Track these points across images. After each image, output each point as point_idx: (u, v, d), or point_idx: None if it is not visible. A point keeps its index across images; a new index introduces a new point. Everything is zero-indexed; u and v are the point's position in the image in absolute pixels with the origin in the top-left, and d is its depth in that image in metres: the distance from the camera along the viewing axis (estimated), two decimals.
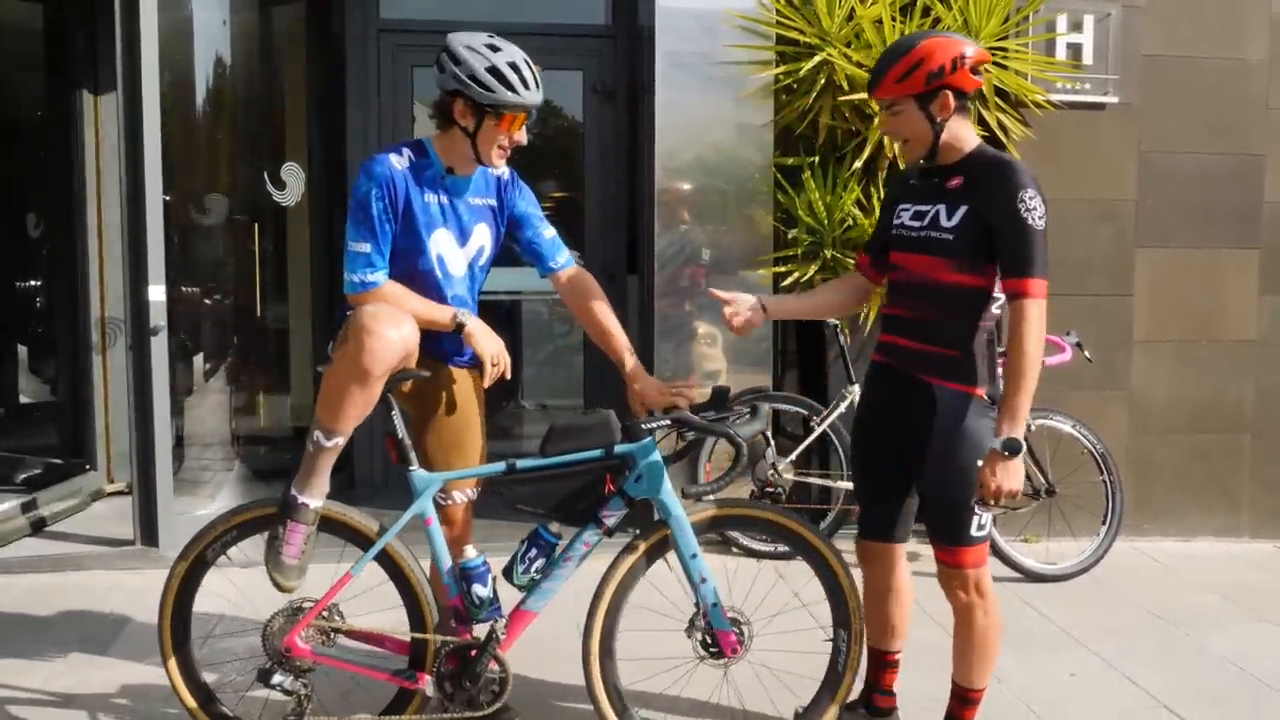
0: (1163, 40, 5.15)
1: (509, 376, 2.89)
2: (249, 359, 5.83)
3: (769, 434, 4.67)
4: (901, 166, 4.84)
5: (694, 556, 2.81)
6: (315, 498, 2.73)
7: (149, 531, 4.71)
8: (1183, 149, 5.21)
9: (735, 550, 4.75)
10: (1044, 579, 4.64)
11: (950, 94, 2.67)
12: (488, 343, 2.81)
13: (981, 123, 4.92)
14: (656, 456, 2.77)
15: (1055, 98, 5.01)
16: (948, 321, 2.74)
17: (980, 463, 2.66)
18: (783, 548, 4.62)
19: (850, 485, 4.78)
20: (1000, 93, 4.95)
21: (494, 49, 2.77)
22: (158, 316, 4.59)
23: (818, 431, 4.74)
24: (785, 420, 5.14)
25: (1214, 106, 5.22)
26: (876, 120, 4.77)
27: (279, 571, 2.71)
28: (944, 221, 2.72)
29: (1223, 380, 5.35)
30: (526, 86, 2.77)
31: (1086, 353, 4.76)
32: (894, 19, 4.77)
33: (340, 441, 2.69)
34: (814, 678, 3.02)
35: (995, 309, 2.76)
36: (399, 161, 2.79)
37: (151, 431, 4.63)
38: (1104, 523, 4.75)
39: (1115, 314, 5.22)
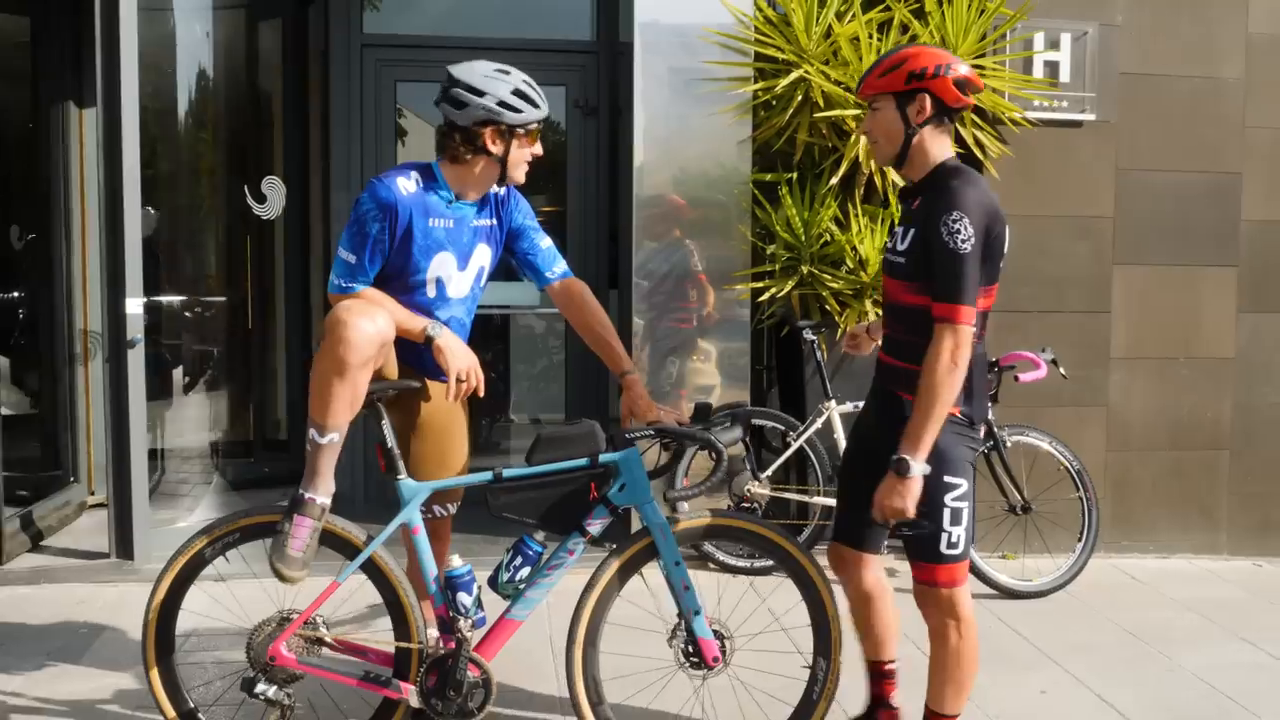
0: (1139, 59, 5.18)
1: (481, 394, 2.89)
2: (228, 371, 5.83)
3: (748, 442, 4.67)
4: (867, 171, 4.87)
5: (677, 564, 2.84)
6: (321, 494, 2.77)
7: (124, 544, 4.70)
8: (1160, 167, 5.24)
9: (711, 566, 4.75)
10: (1020, 595, 4.63)
11: (929, 98, 2.69)
12: (455, 358, 2.82)
13: (959, 140, 4.94)
14: (640, 465, 2.81)
15: (1032, 115, 5.03)
16: (915, 340, 2.74)
17: (946, 479, 2.69)
18: (760, 563, 4.69)
19: (827, 501, 4.80)
20: (977, 110, 4.97)
21: (504, 73, 2.85)
22: (135, 329, 4.60)
23: (794, 446, 4.74)
24: (767, 435, 5.14)
25: (1191, 125, 5.25)
26: (854, 136, 4.80)
27: (283, 562, 2.72)
28: (899, 245, 2.79)
29: (1201, 397, 5.36)
30: (542, 100, 2.89)
31: (1062, 369, 4.78)
32: (871, 36, 4.80)
33: (335, 438, 2.72)
34: (788, 701, 3.02)
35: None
36: (406, 186, 2.83)
37: (127, 444, 4.63)
38: (1080, 539, 4.75)
39: (1093, 331, 5.23)
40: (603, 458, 2.80)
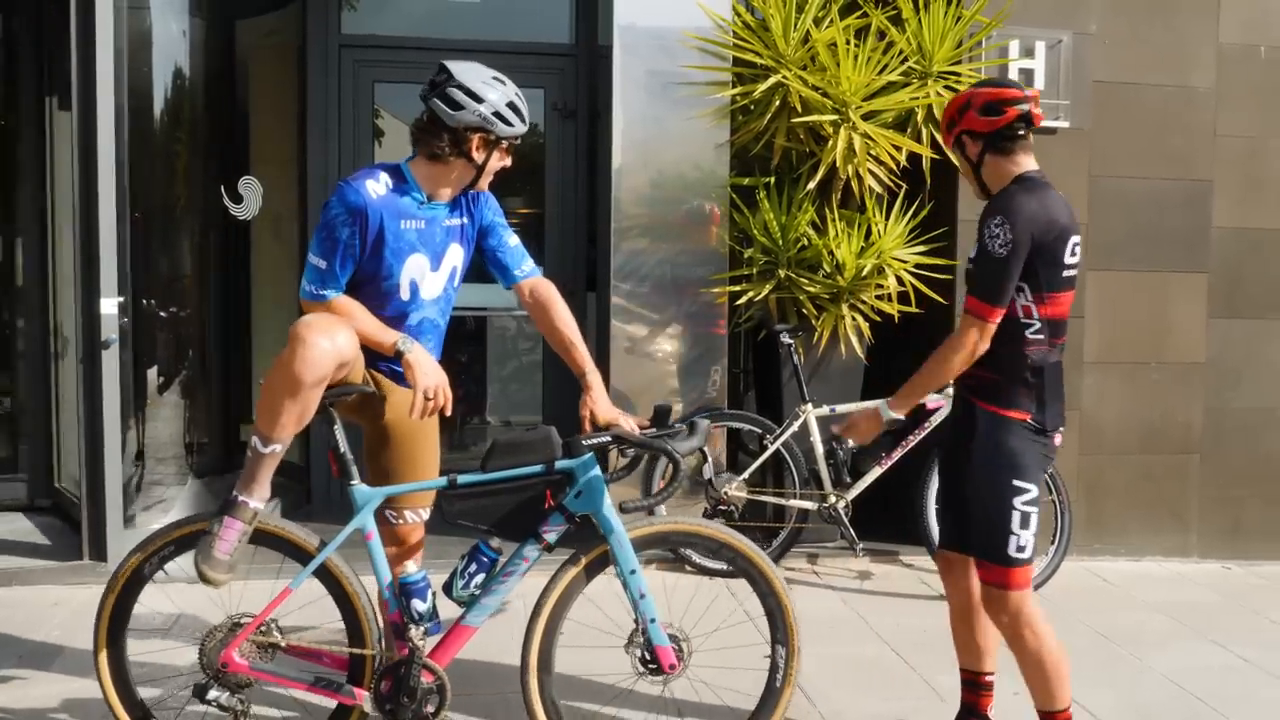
0: (1113, 67, 5.24)
1: (448, 412, 2.87)
2: (204, 372, 5.78)
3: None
4: (844, 176, 4.91)
5: (633, 572, 2.82)
6: (255, 499, 2.72)
7: (98, 546, 4.66)
8: (1132, 174, 5.30)
9: (688, 569, 4.76)
10: None
11: (967, 137, 2.89)
12: (422, 375, 2.77)
13: (934, 145, 4.98)
14: (596, 472, 2.79)
15: None
16: (991, 348, 2.82)
17: (1016, 482, 2.79)
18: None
19: (803, 504, 4.83)
20: None
21: (501, 82, 2.83)
22: (109, 329, 4.56)
23: (770, 450, 4.77)
24: (744, 438, 5.16)
25: (1163, 132, 5.32)
26: (830, 141, 4.83)
27: (208, 564, 2.67)
28: (971, 255, 2.92)
29: (1172, 402, 5.42)
30: (527, 114, 2.89)
31: None
32: (849, 42, 4.83)
33: (277, 449, 2.68)
34: (753, 694, 3.02)
35: (1032, 334, 2.82)
36: (375, 189, 2.78)
37: (101, 445, 4.60)
38: (1052, 542, 4.79)
39: (1067, 335, 5.27)
40: (558, 464, 2.77)
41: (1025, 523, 2.80)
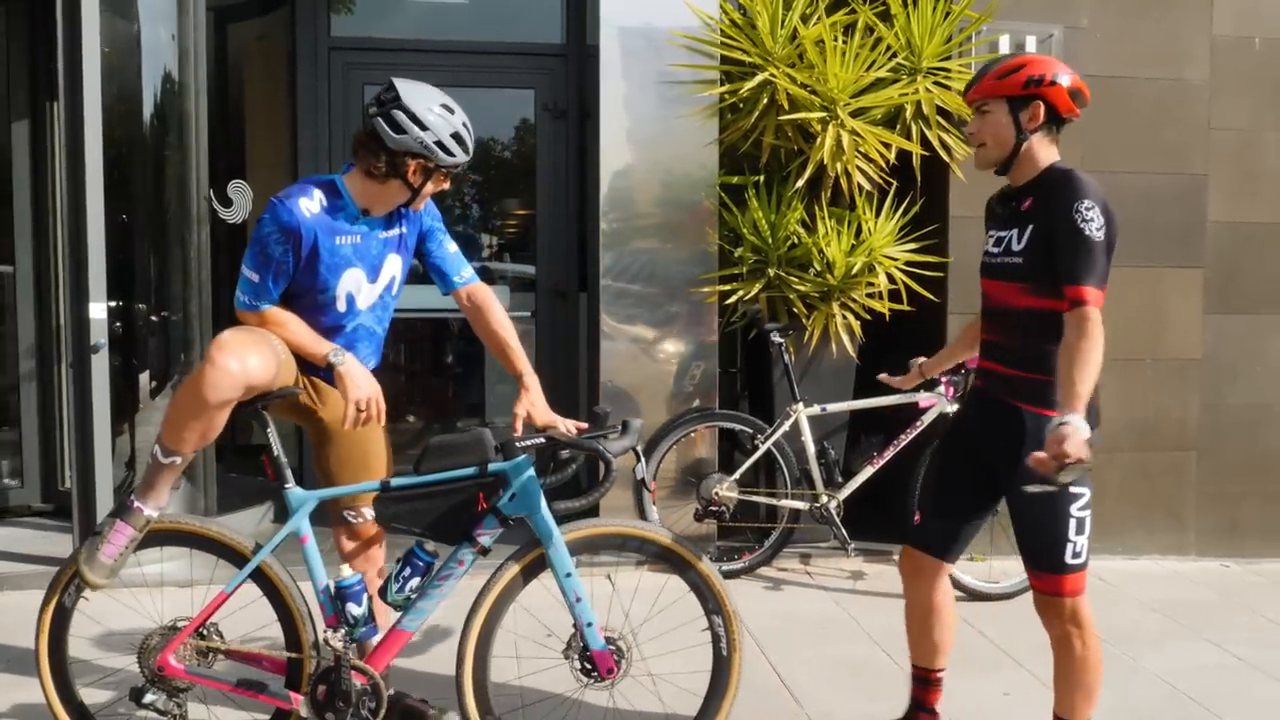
0: (1105, 61, 5.19)
1: (381, 421, 2.85)
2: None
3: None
4: (833, 174, 4.87)
5: (569, 576, 2.77)
6: (150, 507, 2.71)
7: None
8: (1126, 169, 5.26)
9: None
10: (986, 598, 4.64)
11: (1042, 105, 2.70)
12: (354, 387, 2.76)
13: (924, 142, 4.95)
14: (531, 475, 2.74)
15: None
16: (1031, 346, 2.74)
17: (1072, 489, 2.67)
18: (730, 565, 4.71)
19: (795, 504, 4.80)
20: (943, 112, 4.99)
21: (449, 110, 2.79)
22: (98, 334, 4.56)
23: (761, 450, 4.74)
24: (738, 437, 5.13)
25: (1156, 126, 5.28)
26: (819, 139, 4.80)
27: (90, 565, 2.64)
28: (1015, 245, 2.76)
29: (1168, 399, 5.38)
30: (471, 145, 2.86)
31: None
32: (836, 39, 4.80)
33: (178, 461, 2.67)
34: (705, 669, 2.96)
35: None
36: (309, 206, 2.76)
37: (92, 450, 4.60)
38: None
39: None
40: (491, 467, 2.72)
41: (1081, 528, 2.72)
